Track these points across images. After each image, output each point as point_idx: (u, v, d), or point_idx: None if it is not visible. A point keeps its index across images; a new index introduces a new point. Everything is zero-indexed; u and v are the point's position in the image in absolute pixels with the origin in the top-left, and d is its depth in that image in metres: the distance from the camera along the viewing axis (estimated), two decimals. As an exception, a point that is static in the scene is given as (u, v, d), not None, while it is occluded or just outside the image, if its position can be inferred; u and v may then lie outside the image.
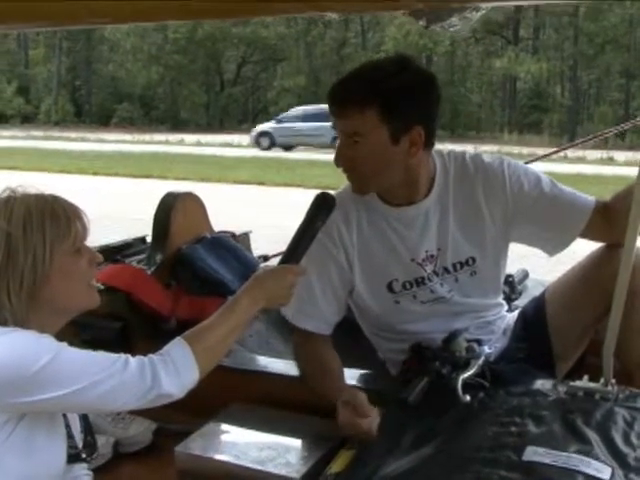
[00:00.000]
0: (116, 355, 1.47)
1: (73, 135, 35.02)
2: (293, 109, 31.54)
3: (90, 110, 49.14)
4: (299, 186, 14.59)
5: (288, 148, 28.32)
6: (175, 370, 1.50)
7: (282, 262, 1.80)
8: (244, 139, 30.46)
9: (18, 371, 1.36)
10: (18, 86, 46.90)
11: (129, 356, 1.48)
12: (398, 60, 1.99)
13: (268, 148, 28.14)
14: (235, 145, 29.53)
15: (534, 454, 1.45)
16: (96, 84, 50.20)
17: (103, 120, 45.83)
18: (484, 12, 1.47)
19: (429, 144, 1.98)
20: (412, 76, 1.94)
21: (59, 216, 1.49)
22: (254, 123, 40.39)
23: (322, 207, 1.87)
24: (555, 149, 5.00)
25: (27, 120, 45.56)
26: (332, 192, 1.98)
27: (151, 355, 1.51)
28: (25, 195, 1.51)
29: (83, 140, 32.08)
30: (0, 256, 1.44)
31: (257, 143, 28.94)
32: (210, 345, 1.58)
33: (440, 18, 1.50)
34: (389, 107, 1.89)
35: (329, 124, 2.14)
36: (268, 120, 32.19)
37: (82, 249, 1.54)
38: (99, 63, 50.25)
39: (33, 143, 28.72)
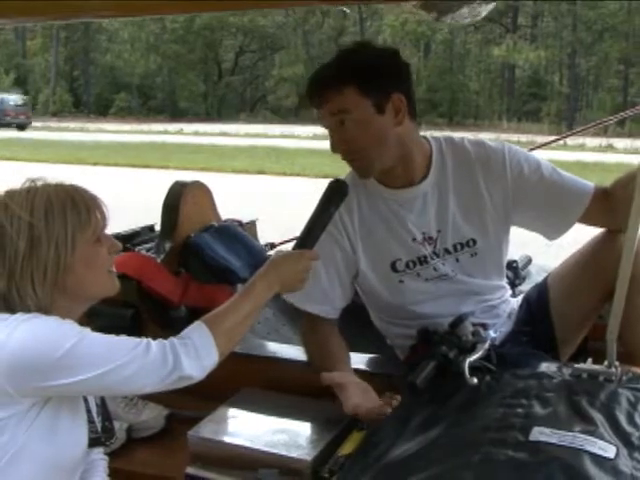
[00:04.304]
0: (138, 339, 1.49)
1: (72, 125, 34.89)
2: None
3: (88, 100, 48.89)
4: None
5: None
6: (196, 353, 1.53)
7: (296, 247, 1.83)
8: (242, 128, 30.37)
9: (43, 356, 1.38)
10: (16, 77, 46.62)
11: (150, 340, 1.50)
12: (359, 42, 2.12)
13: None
14: (233, 134, 29.46)
15: (540, 434, 1.46)
16: (94, 74, 49.92)
17: (101, 110, 45.63)
18: (494, 3, 1.48)
19: (413, 113, 2.02)
20: (376, 50, 2.05)
21: (79, 206, 1.52)
22: (252, 112, 40.11)
23: (336, 193, 1.92)
24: (555, 137, 5.00)
25: (25, 111, 45.26)
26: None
27: (172, 338, 1.54)
28: (45, 185, 1.53)
29: (82, 130, 31.95)
30: (23, 247, 1.46)
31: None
32: (228, 328, 1.61)
33: (451, 9, 1.51)
34: (365, 80, 1.94)
35: None
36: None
37: (102, 238, 1.57)
38: (97, 53, 49.87)
39: (31, 134, 28.63)
